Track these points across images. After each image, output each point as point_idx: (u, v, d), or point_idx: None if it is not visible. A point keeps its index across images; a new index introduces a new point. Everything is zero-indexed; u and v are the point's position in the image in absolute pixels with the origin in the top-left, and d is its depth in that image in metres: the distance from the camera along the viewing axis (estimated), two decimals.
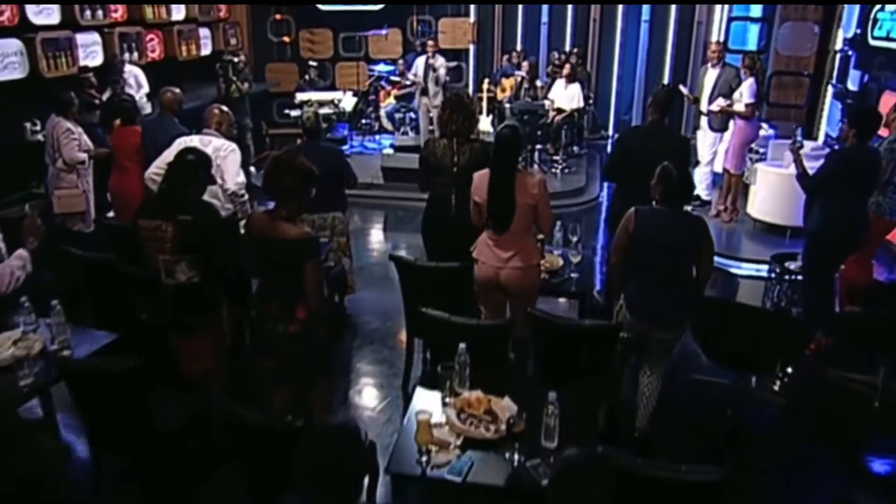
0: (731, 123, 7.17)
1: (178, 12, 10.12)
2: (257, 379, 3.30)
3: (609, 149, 11.34)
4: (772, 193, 6.66)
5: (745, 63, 6.99)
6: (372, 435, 3.81)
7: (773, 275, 5.00)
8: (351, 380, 4.45)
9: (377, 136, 10.62)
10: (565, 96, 8.78)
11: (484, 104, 10.56)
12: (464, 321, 3.12)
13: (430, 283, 3.74)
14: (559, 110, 8.79)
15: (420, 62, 9.11)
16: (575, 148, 9.71)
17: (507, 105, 9.01)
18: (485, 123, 10.44)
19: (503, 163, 3.51)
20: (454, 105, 4.12)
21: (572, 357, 3.12)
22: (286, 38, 12.03)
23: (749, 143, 7.20)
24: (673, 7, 11.20)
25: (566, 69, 8.76)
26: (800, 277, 4.75)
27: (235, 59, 8.78)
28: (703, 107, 7.41)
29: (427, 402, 2.78)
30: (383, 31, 11.22)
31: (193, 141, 4.23)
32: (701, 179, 7.65)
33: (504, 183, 3.48)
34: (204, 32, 10.76)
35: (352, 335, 4.97)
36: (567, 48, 11.37)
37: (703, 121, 7.43)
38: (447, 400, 2.72)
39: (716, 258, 6.39)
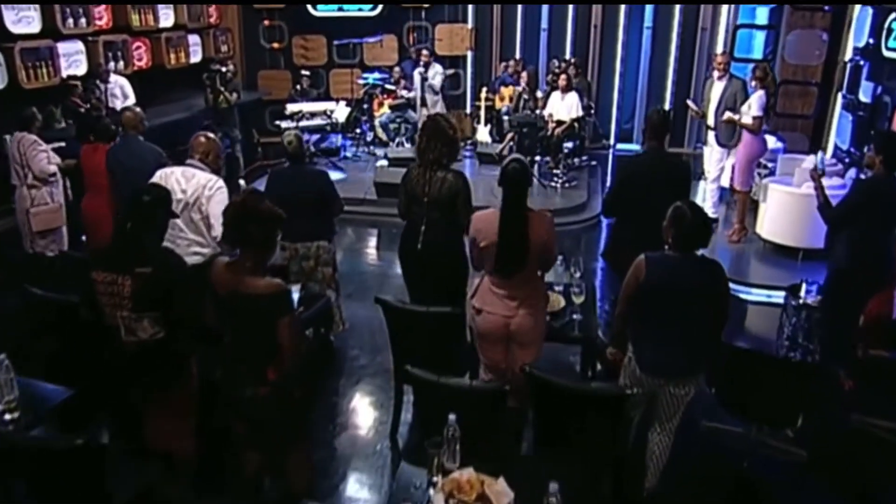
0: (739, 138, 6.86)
1: (167, 19, 9.83)
2: (228, 440, 2.99)
3: (611, 159, 11.07)
4: (783, 213, 6.34)
5: (755, 75, 6.66)
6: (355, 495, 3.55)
7: (790, 303, 4.68)
8: (337, 425, 4.14)
9: (371, 147, 10.30)
10: (563, 107, 8.46)
11: (482, 113, 10.28)
12: (455, 383, 2.80)
13: (419, 328, 3.42)
14: (559, 122, 8.46)
15: (416, 74, 8.80)
16: (576, 160, 9.39)
17: (506, 117, 8.68)
18: (483, 133, 10.17)
19: (514, 201, 3.21)
20: (431, 132, 3.80)
21: (575, 423, 2.82)
22: (276, 45, 11.72)
23: (756, 158, 6.88)
24: (676, 13, 10.89)
25: (562, 80, 8.44)
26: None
27: (223, 69, 8.47)
28: (710, 121, 7.10)
29: (413, 480, 2.47)
30: (375, 39, 10.92)
31: (175, 173, 3.87)
32: (707, 196, 7.37)
33: (517, 222, 3.18)
34: (193, 39, 10.47)
35: (338, 373, 4.65)
36: (567, 55, 11.07)
37: (711, 135, 7.11)
38: (435, 479, 2.41)
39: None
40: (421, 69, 8.89)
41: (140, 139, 4.75)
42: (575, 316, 3.69)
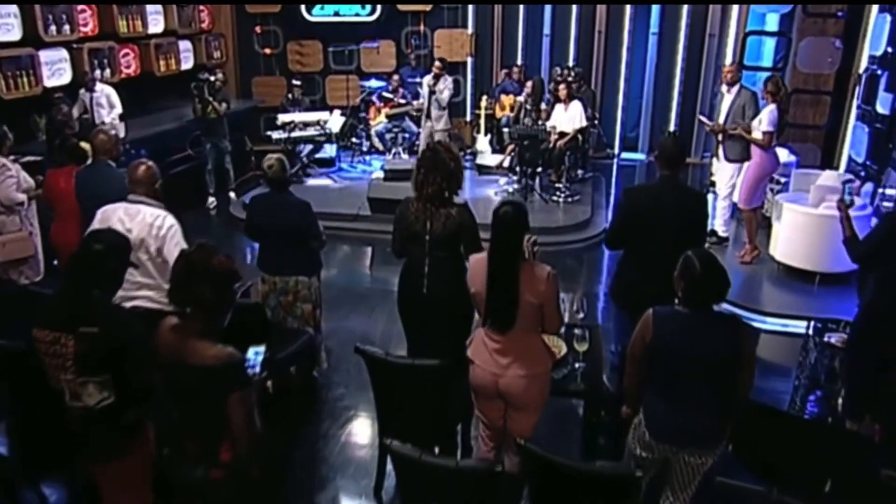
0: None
1: (156, 25, 9.54)
2: None
3: (615, 169, 10.72)
4: (798, 234, 5.97)
5: (767, 88, 6.28)
6: None
7: (811, 338, 4.33)
8: (318, 478, 3.80)
9: (368, 157, 9.96)
10: (566, 118, 8.10)
11: (482, 122, 9.95)
12: (439, 462, 2.45)
13: (405, 383, 3.09)
14: (561, 134, 8.10)
15: (425, 84, 8.34)
16: (579, 171, 9.03)
17: (506, 129, 8.30)
18: (483, 143, 9.83)
19: (504, 250, 2.84)
20: (430, 164, 3.44)
21: None
22: (267, 50, 11.39)
23: (766, 176, 6.51)
24: (683, 19, 10.54)
25: (562, 91, 8.08)
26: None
27: (212, 78, 8.14)
28: (719, 135, 6.74)
29: None
30: (373, 44, 10.59)
31: (118, 211, 3.48)
32: (718, 213, 6.99)
33: (506, 274, 2.82)
34: (185, 45, 10.19)
35: (322, 416, 4.31)
36: (571, 62, 10.72)
37: (721, 150, 6.73)
38: None
39: (735, 309, 5.77)
40: (430, 80, 8.36)
41: (112, 166, 4.35)
42: (577, 365, 3.34)
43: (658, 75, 11.00)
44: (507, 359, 2.86)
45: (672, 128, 11.00)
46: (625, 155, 11.27)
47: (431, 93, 8.03)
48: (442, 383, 3.00)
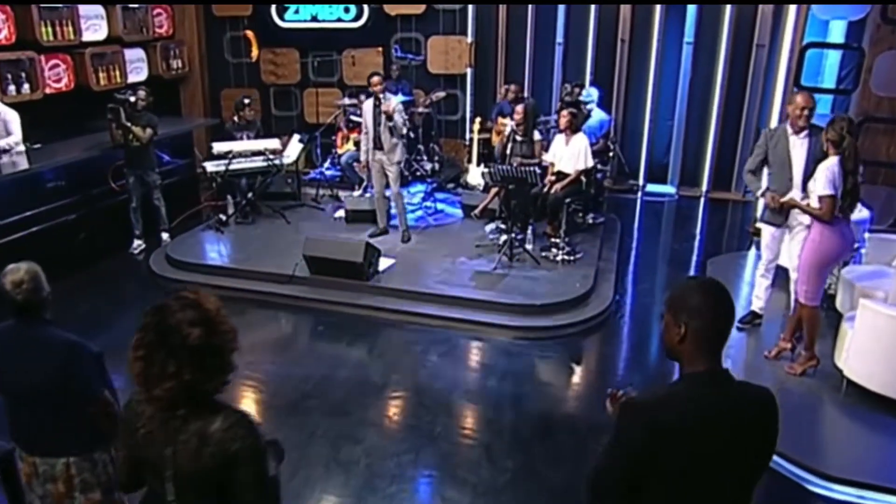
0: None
1: (96, 31, 8.17)
2: None
3: (639, 206, 8.92)
4: (881, 345, 4.11)
5: (827, 135, 4.39)
6: None
7: None
8: None
9: (333, 191, 8.35)
10: (567, 155, 6.35)
11: (474, 149, 8.30)
12: None
13: None
14: (560, 175, 6.37)
15: (367, 107, 6.66)
16: (590, 216, 7.28)
17: (486, 170, 6.56)
18: (474, 175, 8.19)
19: None
20: (154, 340, 1.75)
21: None
22: (254, 52, 9.85)
23: (833, 261, 4.62)
24: (725, 26, 8.68)
25: (563, 120, 6.33)
26: None
27: (132, 99, 6.66)
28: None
29: None
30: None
31: None
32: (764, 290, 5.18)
33: None
34: (135, 54, 8.86)
35: None
36: (587, 76, 8.99)
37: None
38: None
39: (783, 462, 4.00)
40: (378, 101, 6.48)
41: None
42: None
43: (693, 92, 9.13)
44: None
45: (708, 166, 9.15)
46: (651, 188, 9.42)
47: (388, 119, 6.29)
48: None
